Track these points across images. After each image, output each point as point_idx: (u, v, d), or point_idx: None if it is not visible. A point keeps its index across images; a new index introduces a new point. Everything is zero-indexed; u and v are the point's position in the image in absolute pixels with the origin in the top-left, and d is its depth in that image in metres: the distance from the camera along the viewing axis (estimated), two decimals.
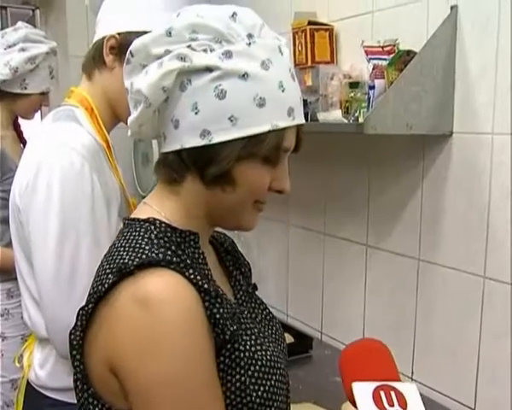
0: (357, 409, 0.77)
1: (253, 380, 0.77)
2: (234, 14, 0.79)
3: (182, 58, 0.76)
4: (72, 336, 0.78)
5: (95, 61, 1.24)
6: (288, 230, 2.18)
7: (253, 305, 0.94)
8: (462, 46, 1.44)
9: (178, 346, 0.70)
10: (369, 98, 1.50)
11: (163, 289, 0.71)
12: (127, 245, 0.77)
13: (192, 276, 0.74)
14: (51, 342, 1.15)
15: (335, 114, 1.57)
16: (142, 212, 0.84)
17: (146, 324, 0.69)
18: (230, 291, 0.91)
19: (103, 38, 1.21)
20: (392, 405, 0.77)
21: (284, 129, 0.79)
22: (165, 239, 0.78)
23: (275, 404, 0.79)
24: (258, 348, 0.80)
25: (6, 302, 1.99)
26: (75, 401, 1.16)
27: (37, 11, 3.04)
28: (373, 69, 1.50)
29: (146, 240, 0.77)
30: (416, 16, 1.55)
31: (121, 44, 1.19)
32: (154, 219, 0.80)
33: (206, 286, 0.75)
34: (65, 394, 1.17)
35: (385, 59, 1.50)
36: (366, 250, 1.81)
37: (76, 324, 0.78)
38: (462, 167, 1.47)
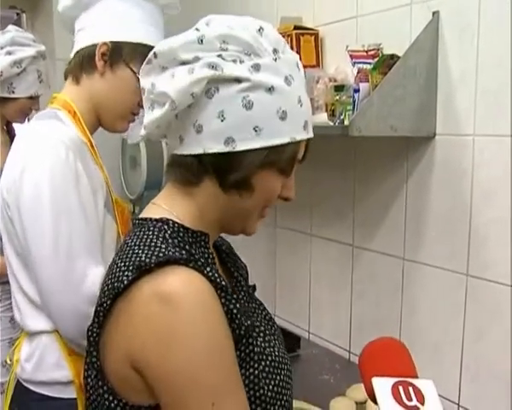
0: (377, 404, 0.79)
1: (265, 374, 0.81)
2: (260, 29, 0.81)
3: (213, 67, 0.78)
4: (90, 333, 0.80)
5: (83, 65, 1.27)
6: (275, 231, 2.20)
7: (253, 305, 0.97)
8: (444, 50, 1.48)
9: (202, 338, 0.72)
10: (354, 101, 1.53)
11: (183, 285, 0.73)
12: (141, 244, 0.79)
13: (210, 273, 0.77)
14: (58, 327, 1.17)
15: (321, 117, 1.60)
16: (152, 211, 0.86)
17: (168, 319, 0.72)
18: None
19: (94, 45, 1.24)
20: (410, 400, 0.79)
21: (299, 142, 0.84)
22: (179, 239, 0.81)
23: (284, 398, 0.83)
24: (267, 344, 0.84)
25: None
26: (61, 396, 1.19)
27: (24, 15, 3.03)
28: (357, 73, 1.53)
29: (161, 239, 0.79)
30: (400, 21, 1.58)
31: (112, 52, 1.24)
32: (167, 219, 0.82)
33: (223, 283, 0.78)
34: (51, 388, 1.19)
35: (369, 63, 1.53)
36: (352, 250, 1.84)
37: (93, 320, 0.79)
38: (444, 168, 1.51)
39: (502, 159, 1.36)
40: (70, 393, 1.19)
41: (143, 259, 0.76)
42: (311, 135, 0.85)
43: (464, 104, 1.44)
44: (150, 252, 0.77)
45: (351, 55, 1.58)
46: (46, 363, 1.20)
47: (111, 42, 1.24)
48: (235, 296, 0.79)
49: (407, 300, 1.65)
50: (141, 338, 0.73)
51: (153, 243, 0.78)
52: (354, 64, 1.56)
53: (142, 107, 1.28)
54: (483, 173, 1.41)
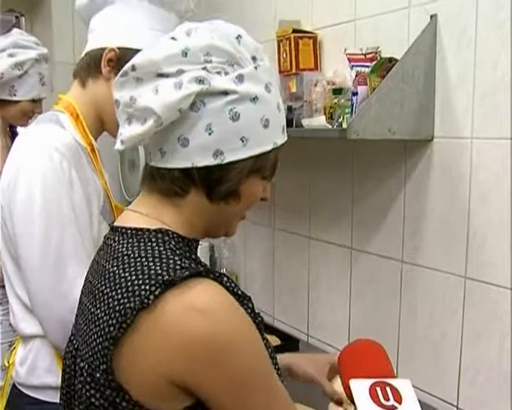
0: (355, 405, 0.81)
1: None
2: (238, 37, 0.82)
3: (200, 81, 0.77)
4: (102, 353, 0.76)
5: (89, 69, 1.26)
6: (273, 234, 2.21)
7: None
8: (442, 53, 1.49)
9: (245, 342, 0.76)
10: (352, 104, 1.53)
11: (213, 296, 0.75)
12: (150, 256, 0.78)
13: (228, 284, 0.79)
14: (45, 332, 1.16)
15: (319, 120, 1.60)
16: (138, 221, 0.84)
17: (209, 331, 0.73)
18: None
19: (102, 49, 1.24)
20: (387, 399, 0.81)
21: (279, 147, 0.85)
22: (182, 250, 0.83)
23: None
24: (270, 350, 0.85)
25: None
26: (54, 400, 1.17)
27: (23, 18, 3.04)
28: (356, 76, 1.53)
29: (169, 251, 0.80)
30: (398, 25, 1.59)
31: (119, 59, 1.22)
32: (166, 230, 0.82)
33: (240, 292, 0.80)
34: (43, 392, 1.19)
35: (367, 66, 1.54)
36: (351, 253, 1.85)
37: (106, 338, 0.76)
38: (442, 171, 1.51)
39: (499, 161, 1.36)
40: None
41: (164, 273, 0.75)
42: (286, 138, 0.87)
43: (462, 107, 1.44)
44: (166, 265, 0.76)
45: (349, 59, 1.59)
46: (38, 367, 1.20)
47: (118, 48, 1.23)
48: (250, 305, 0.82)
49: (405, 302, 1.65)
50: (181, 354, 0.73)
51: (164, 256, 0.78)
52: (352, 67, 1.57)
53: None
54: (481, 176, 1.41)
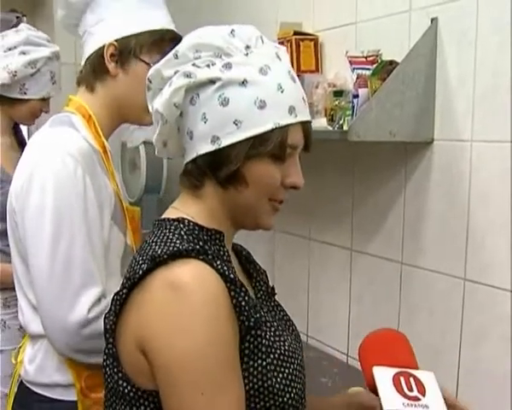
0: (377, 393, 0.78)
1: (273, 367, 0.83)
2: (232, 31, 0.87)
3: (187, 75, 0.84)
4: (106, 321, 0.85)
5: (95, 73, 1.25)
6: (274, 235, 2.21)
7: (272, 304, 1.01)
8: (442, 57, 1.49)
9: (202, 326, 0.76)
10: (353, 106, 1.54)
11: (192, 275, 0.78)
12: (158, 240, 0.84)
13: (219, 266, 0.80)
14: (49, 338, 1.17)
15: (320, 122, 1.61)
16: (169, 213, 0.91)
17: (174, 305, 0.76)
18: (252, 291, 0.98)
19: (101, 48, 1.23)
20: (411, 390, 0.78)
21: (287, 127, 0.85)
22: (194, 236, 0.85)
23: (293, 390, 0.85)
24: (277, 338, 0.86)
25: (2, 312, 1.89)
26: (62, 398, 1.19)
27: (24, 18, 3.05)
28: (357, 78, 1.54)
29: (176, 235, 0.84)
30: (398, 28, 1.60)
31: (121, 50, 1.23)
32: (183, 219, 0.87)
33: (232, 276, 0.80)
34: (53, 390, 1.20)
35: (368, 69, 1.55)
36: (351, 255, 1.85)
37: (110, 309, 0.84)
38: (442, 173, 1.52)
39: (499, 164, 1.37)
40: (71, 395, 1.19)
41: (159, 253, 0.80)
42: (301, 119, 0.87)
43: (462, 110, 1.45)
44: (166, 247, 0.81)
45: (350, 61, 1.60)
46: (48, 366, 1.21)
47: (116, 40, 1.22)
48: (244, 290, 0.81)
49: (405, 304, 1.66)
50: (150, 324, 0.77)
51: (169, 239, 0.83)
52: (353, 70, 1.58)
53: None
54: (480, 178, 1.42)
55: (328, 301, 1.97)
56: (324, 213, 1.96)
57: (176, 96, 0.85)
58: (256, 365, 0.82)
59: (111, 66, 1.24)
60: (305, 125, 0.89)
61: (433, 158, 1.54)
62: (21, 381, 1.26)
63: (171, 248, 0.80)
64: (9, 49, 1.88)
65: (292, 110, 0.85)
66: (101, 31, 1.24)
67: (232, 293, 0.80)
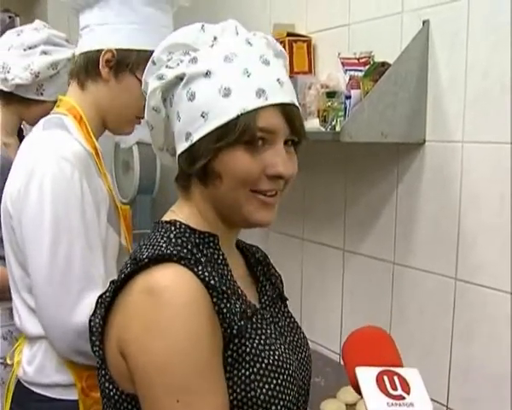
0: (361, 394, 0.77)
1: (258, 377, 0.80)
2: (202, 27, 0.87)
3: (160, 77, 0.85)
4: (92, 323, 0.84)
5: (87, 71, 1.25)
6: (267, 235, 2.22)
7: (276, 311, 0.97)
8: (434, 58, 1.51)
9: (180, 330, 0.74)
10: (345, 108, 1.55)
11: (169, 279, 0.76)
12: (148, 243, 0.83)
13: (200, 272, 0.78)
14: (51, 342, 1.17)
15: (313, 123, 1.62)
16: (166, 216, 0.90)
17: (149, 309, 0.75)
18: (256, 296, 0.95)
19: (99, 51, 1.23)
20: (395, 389, 0.76)
21: (256, 111, 0.80)
22: (184, 239, 0.83)
23: (280, 403, 0.81)
24: (267, 347, 0.82)
25: (8, 323, 1.78)
26: (62, 397, 1.19)
27: (17, 18, 3.03)
28: (349, 80, 1.55)
29: (165, 239, 0.82)
30: (391, 30, 1.61)
31: (118, 60, 1.22)
32: (175, 221, 0.86)
33: (212, 282, 0.78)
34: (52, 390, 1.19)
35: (360, 70, 1.56)
36: (343, 255, 1.86)
37: (95, 311, 0.84)
38: (434, 174, 1.53)
39: (490, 165, 1.38)
40: (72, 395, 1.19)
41: (143, 255, 0.79)
42: (274, 101, 0.81)
43: (453, 111, 1.46)
44: (152, 250, 0.80)
45: (342, 63, 1.61)
46: (47, 367, 1.20)
47: (116, 49, 1.22)
48: (225, 296, 0.79)
49: (397, 303, 1.67)
50: (129, 327, 0.77)
51: (156, 242, 0.82)
52: (346, 71, 1.58)
53: None
54: (471, 179, 1.43)
55: (322, 300, 1.98)
56: (317, 213, 1.97)
57: (152, 99, 0.86)
58: (240, 374, 0.79)
59: (104, 71, 1.24)
60: (285, 109, 0.83)
61: (425, 159, 1.55)
62: (18, 381, 1.25)
63: (154, 252, 0.79)
64: (30, 48, 1.76)
65: (261, 93, 0.80)
66: (104, 34, 1.23)
67: (214, 299, 0.78)
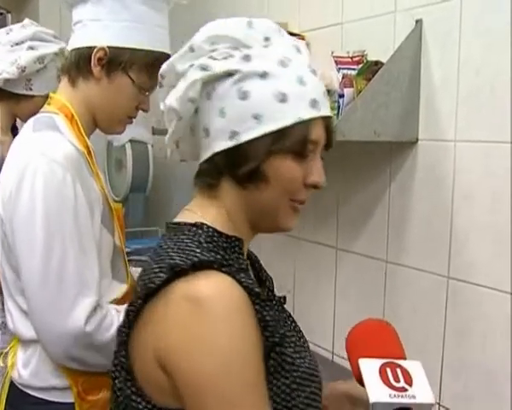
0: (364, 386, 0.77)
1: (295, 386, 0.79)
2: (249, 23, 0.84)
3: (204, 68, 0.80)
4: (119, 333, 0.80)
5: (79, 68, 1.23)
6: (260, 235, 2.22)
7: (283, 315, 0.96)
8: (427, 57, 1.51)
9: (225, 344, 0.72)
10: (338, 106, 1.55)
11: (214, 289, 0.73)
12: (176, 247, 0.79)
13: (243, 279, 0.76)
14: (44, 347, 1.15)
15: None
16: (185, 217, 0.86)
17: (195, 321, 0.71)
18: None
19: (91, 48, 1.20)
20: (398, 381, 0.77)
21: (310, 121, 0.81)
22: (213, 244, 0.80)
23: (315, 408, 0.81)
24: (298, 355, 0.82)
25: (2, 315, 1.76)
26: (58, 400, 1.17)
27: (9, 15, 3.02)
28: (342, 78, 1.55)
29: (196, 243, 0.79)
30: (384, 29, 1.61)
31: (110, 58, 1.20)
32: (202, 224, 0.82)
33: (256, 290, 0.76)
34: (48, 393, 1.18)
35: (354, 69, 1.56)
36: (336, 253, 1.87)
37: (124, 320, 0.79)
38: (426, 173, 1.54)
39: (482, 163, 1.39)
40: (68, 398, 1.18)
41: (177, 262, 0.75)
42: (323, 113, 0.82)
43: (446, 110, 1.47)
44: (184, 255, 0.76)
45: (335, 61, 1.61)
46: (43, 371, 1.19)
47: (109, 47, 1.19)
48: (268, 304, 0.78)
49: (389, 301, 1.67)
50: (170, 340, 0.73)
51: (187, 247, 0.78)
52: (339, 70, 1.58)
53: (139, 110, 1.29)
54: (464, 178, 1.44)
55: (314, 299, 1.98)
56: (310, 211, 1.97)
57: (191, 90, 0.80)
58: (279, 384, 0.78)
59: (96, 69, 1.21)
60: (327, 121, 0.85)
61: (418, 158, 1.56)
62: (12, 383, 1.23)
63: (190, 258, 0.75)
64: (17, 44, 1.80)
65: (314, 104, 0.81)
66: (97, 30, 1.21)
67: (257, 307, 0.76)
